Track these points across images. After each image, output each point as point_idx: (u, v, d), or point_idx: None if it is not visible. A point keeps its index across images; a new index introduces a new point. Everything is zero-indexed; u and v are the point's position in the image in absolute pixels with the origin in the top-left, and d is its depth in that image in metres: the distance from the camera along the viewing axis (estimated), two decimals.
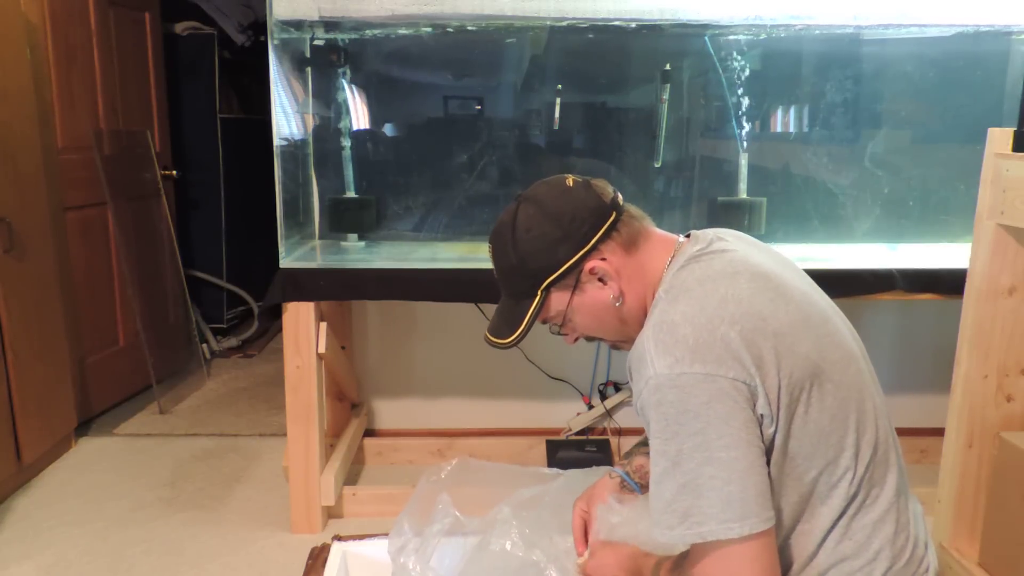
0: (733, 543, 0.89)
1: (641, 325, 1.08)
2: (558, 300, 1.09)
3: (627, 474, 1.30)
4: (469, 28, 2.32)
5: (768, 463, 0.95)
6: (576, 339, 1.15)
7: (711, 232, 1.12)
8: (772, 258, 1.10)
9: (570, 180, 1.10)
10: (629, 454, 1.34)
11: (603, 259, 1.06)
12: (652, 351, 0.93)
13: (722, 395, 0.90)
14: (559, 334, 1.16)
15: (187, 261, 3.70)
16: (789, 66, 2.49)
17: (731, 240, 1.10)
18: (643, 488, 1.28)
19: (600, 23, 2.24)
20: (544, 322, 1.13)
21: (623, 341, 1.13)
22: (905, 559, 1.03)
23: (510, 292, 1.13)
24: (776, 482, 0.97)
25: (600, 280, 1.07)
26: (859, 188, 2.49)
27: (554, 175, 1.14)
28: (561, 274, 1.06)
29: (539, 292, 1.08)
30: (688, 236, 1.12)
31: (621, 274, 1.07)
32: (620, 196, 1.10)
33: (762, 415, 0.93)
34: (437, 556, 1.29)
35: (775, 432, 0.95)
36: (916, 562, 1.04)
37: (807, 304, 1.02)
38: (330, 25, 2.31)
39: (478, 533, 1.27)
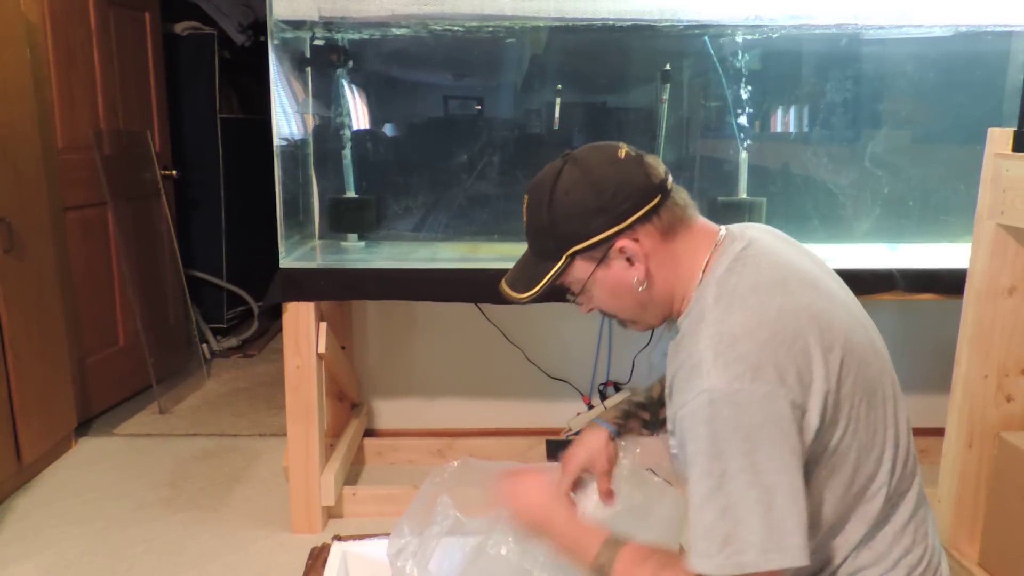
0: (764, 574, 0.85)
1: (663, 313, 1.06)
2: (581, 269, 1.05)
3: (618, 429, 1.27)
4: (469, 28, 2.32)
5: (812, 476, 0.93)
6: (590, 309, 1.11)
7: (741, 228, 1.08)
8: (807, 257, 1.08)
9: (623, 151, 1.05)
10: (626, 415, 1.29)
11: (636, 240, 1.01)
12: (710, 362, 0.89)
13: (777, 418, 0.87)
14: (574, 302, 1.12)
15: (187, 261, 3.70)
16: (789, 66, 2.49)
17: (767, 237, 1.08)
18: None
19: (600, 23, 2.24)
20: (562, 286, 1.09)
21: (636, 323, 1.10)
22: (922, 568, 1.02)
23: (536, 250, 1.08)
24: (816, 495, 0.95)
25: (628, 260, 1.03)
26: (859, 188, 2.49)
27: (607, 142, 1.09)
28: (590, 245, 1.02)
29: (564, 257, 1.03)
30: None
31: (651, 259, 1.02)
32: (671, 178, 1.05)
33: (815, 428, 0.90)
34: (436, 558, 1.29)
35: (823, 444, 0.92)
36: (932, 571, 1.04)
37: (849, 312, 1.01)
38: (330, 25, 2.31)
39: (478, 534, 1.27)
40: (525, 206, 1.08)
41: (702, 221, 1.07)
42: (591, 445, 1.26)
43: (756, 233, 1.07)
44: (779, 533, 0.85)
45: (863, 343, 0.97)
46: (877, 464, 0.97)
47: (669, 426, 1.00)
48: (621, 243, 1.01)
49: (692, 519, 0.89)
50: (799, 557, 0.86)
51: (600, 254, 1.02)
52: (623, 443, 1.27)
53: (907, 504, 1.01)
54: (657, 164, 1.05)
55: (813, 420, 0.90)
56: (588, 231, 1.01)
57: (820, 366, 0.91)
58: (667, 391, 1.03)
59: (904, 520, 1.01)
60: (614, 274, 1.03)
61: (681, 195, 1.05)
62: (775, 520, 0.85)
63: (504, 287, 1.10)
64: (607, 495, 1.24)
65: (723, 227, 1.08)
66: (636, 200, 1.00)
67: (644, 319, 1.08)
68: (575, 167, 1.03)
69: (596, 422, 1.28)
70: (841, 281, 1.09)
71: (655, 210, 1.01)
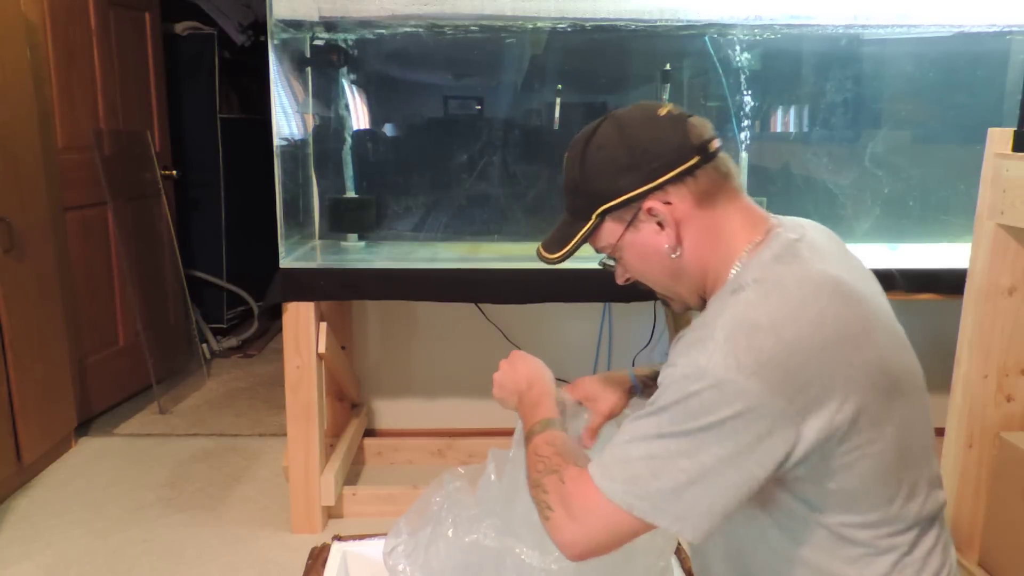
0: (632, 518, 0.85)
1: (695, 287, 1.00)
2: (610, 231, 0.99)
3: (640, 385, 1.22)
4: (469, 28, 2.32)
5: (827, 503, 0.91)
6: (626, 279, 1.05)
7: (795, 221, 1.03)
8: (855, 262, 1.04)
9: (664, 109, 0.98)
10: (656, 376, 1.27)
11: (668, 203, 0.95)
12: (720, 342, 0.83)
13: (755, 418, 0.82)
14: (610, 268, 1.07)
15: (187, 261, 3.70)
16: (789, 66, 2.49)
17: (821, 236, 1.03)
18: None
19: (600, 23, 2.24)
20: (597, 251, 1.05)
21: (671, 298, 1.04)
22: None
23: (569, 208, 1.04)
24: (833, 526, 0.92)
25: (659, 224, 0.96)
26: (859, 188, 2.49)
27: (653, 101, 1.04)
28: (618, 204, 0.96)
29: (593, 216, 0.98)
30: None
31: (684, 226, 0.96)
32: (717, 143, 0.97)
33: (810, 445, 0.85)
34: (428, 555, 1.29)
35: (818, 467, 0.88)
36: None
37: (892, 333, 0.96)
38: (330, 25, 2.31)
39: (470, 531, 1.27)
40: (564, 162, 1.04)
41: (749, 200, 1.00)
42: (608, 384, 1.21)
43: (812, 231, 1.01)
44: (683, 505, 0.84)
45: (899, 369, 0.92)
46: (895, 491, 0.93)
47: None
48: (650, 204, 0.95)
49: (620, 438, 0.88)
50: (687, 532, 0.85)
51: (629, 215, 0.97)
52: (635, 401, 1.23)
53: (933, 530, 1.00)
54: (702, 125, 0.97)
55: (809, 435, 0.84)
56: (617, 189, 0.96)
57: (839, 387, 0.85)
58: (669, 354, 0.97)
59: (929, 547, 0.98)
60: (643, 238, 0.97)
61: (727, 164, 0.98)
62: (688, 494, 0.83)
63: (539, 249, 1.06)
64: (589, 434, 1.21)
65: (775, 217, 1.02)
66: (669, 159, 0.94)
67: (678, 293, 1.02)
68: (612, 123, 0.99)
69: (627, 371, 1.23)
70: (879, 286, 1.05)
71: (690, 172, 0.94)
